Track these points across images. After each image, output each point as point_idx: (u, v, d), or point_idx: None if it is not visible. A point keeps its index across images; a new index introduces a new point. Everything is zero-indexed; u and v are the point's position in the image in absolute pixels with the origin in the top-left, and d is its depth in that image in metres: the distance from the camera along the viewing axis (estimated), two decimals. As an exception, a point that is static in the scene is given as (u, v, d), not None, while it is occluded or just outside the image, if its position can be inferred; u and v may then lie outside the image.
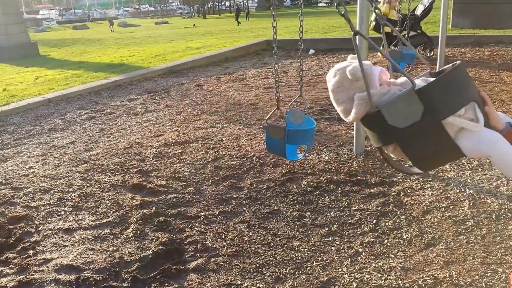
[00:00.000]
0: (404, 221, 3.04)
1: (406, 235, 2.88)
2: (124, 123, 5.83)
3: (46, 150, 4.98)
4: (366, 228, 2.99)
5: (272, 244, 2.89)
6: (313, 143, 3.66)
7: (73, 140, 5.28)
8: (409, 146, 1.40)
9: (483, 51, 9.05)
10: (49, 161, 4.60)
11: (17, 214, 3.44)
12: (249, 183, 3.74)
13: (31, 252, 2.95)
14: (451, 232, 2.87)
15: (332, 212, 3.22)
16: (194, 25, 33.08)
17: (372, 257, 2.68)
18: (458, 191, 3.39)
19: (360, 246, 2.80)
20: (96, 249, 2.93)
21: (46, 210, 3.48)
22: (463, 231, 2.86)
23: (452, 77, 1.35)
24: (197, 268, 2.67)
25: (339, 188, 3.55)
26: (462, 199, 3.26)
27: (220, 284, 2.53)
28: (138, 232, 3.08)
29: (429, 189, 3.45)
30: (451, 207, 3.17)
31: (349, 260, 2.67)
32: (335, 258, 2.70)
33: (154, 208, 3.39)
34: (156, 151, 4.62)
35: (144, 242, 2.96)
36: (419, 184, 3.53)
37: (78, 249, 2.94)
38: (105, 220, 3.27)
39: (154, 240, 2.96)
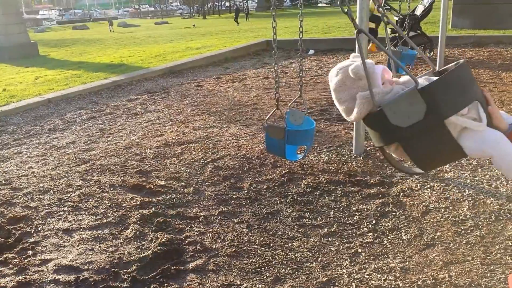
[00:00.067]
0: (404, 221, 3.04)
1: (406, 236, 2.88)
2: (124, 124, 5.83)
3: (46, 150, 4.98)
4: (366, 229, 2.99)
5: (271, 244, 2.89)
6: (312, 144, 3.66)
7: (73, 140, 5.28)
8: (411, 145, 1.39)
9: (482, 52, 9.05)
10: (49, 161, 4.60)
11: (17, 214, 3.44)
12: (249, 183, 3.74)
13: (30, 252, 2.95)
14: (451, 232, 2.87)
15: (332, 213, 3.22)
16: (194, 25, 33.06)
17: (371, 257, 2.68)
18: (457, 191, 3.38)
19: (360, 246, 2.80)
20: (95, 249, 2.93)
21: (46, 211, 3.48)
22: (463, 232, 2.86)
23: (455, 76, 1.34)
24: (196, 269, 2.67)
25: (339, 189, 3.55)
26: (461, 200, 3.26)
27: (219, 284, 2.53)
28: (138, 232, 3.08)
29: (428, 189, 3.45)
30: (450, 207, 3.17)
31: (349, 260, 2.67)
32: (335, 258, 2.70)
33: (153, 208, 3.39)
34: (155, 151, 4.62)
35: (144, 243, 2.96)
36: (418, 185, 3.53)
37: (77, 249, 2.94)
38: (105, 221, 3.27)
39: (154, 241, 2.96)
